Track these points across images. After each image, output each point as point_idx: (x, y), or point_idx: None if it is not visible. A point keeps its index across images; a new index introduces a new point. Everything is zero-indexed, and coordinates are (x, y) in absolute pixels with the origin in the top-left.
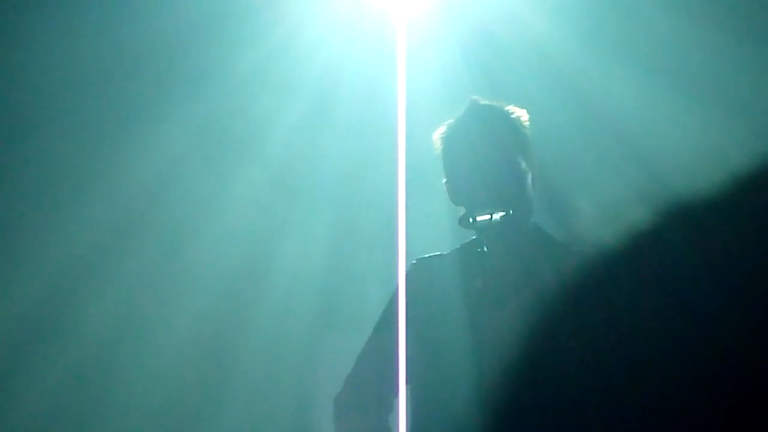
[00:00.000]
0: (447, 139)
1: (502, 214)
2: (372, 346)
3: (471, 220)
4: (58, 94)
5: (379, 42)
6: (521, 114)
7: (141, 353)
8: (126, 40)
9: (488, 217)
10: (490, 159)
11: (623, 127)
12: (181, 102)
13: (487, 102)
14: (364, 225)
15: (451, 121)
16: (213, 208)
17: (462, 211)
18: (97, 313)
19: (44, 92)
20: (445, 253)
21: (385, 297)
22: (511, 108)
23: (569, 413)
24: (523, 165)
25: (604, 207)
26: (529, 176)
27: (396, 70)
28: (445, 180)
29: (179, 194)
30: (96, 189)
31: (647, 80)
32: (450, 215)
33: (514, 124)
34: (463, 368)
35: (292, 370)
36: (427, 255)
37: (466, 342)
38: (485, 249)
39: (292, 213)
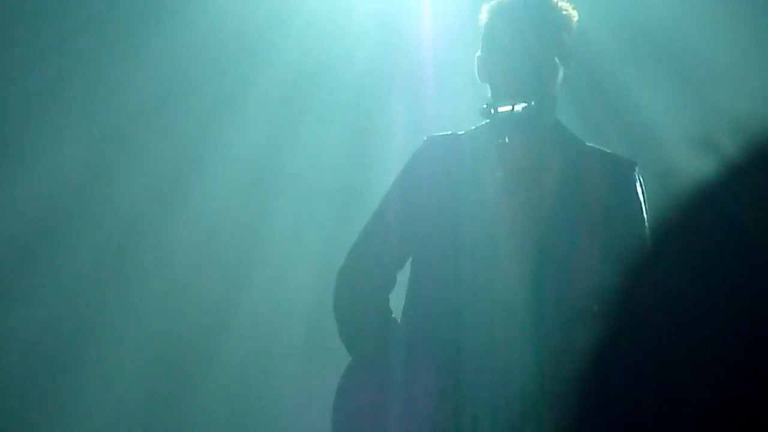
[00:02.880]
0: (493, 14)
1: (524, 105)
2: (376, 221)
3: (492, 110)
4: None
5: None
6: (573, 13)
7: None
8: None
9: (510, 108)
10: (527, 47)
11: (682, 56)
12: (178, 19)
13: None
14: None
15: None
16: (220, 122)
17: (486, 90)
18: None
19: None
20: (460, 133)
21: None
22: (565, 4)
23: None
24: (557, 61)
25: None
26: (560, 73)
27: None
28: (478, 54)
29: (189, 101)
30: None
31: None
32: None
33: (564, 21)
34: (472, 254)
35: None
36: (441, 133)
37: (478, 229)
38: (506, 140)
39: (302, 128)
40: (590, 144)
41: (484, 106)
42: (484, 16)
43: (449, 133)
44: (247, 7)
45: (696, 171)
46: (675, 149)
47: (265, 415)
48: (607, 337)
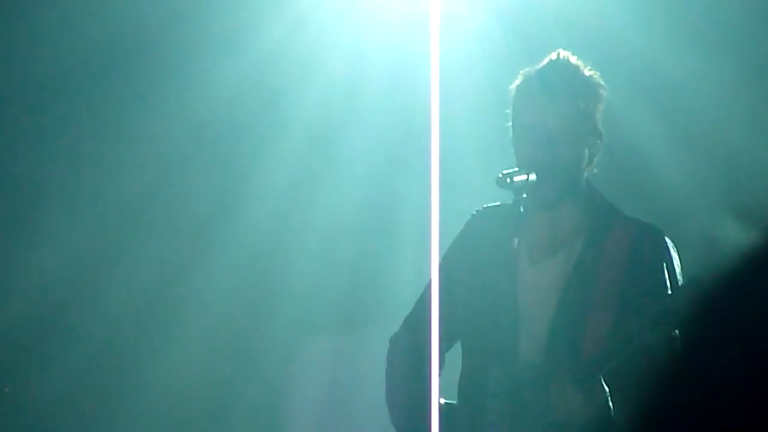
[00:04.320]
0: (517, 85)
1: (535, 176)
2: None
3: (508, 180)
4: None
5: (409, 16)
6: (598, 82)
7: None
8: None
9: (525, 178)
10: (541, 117)
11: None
12: (194, 84)
13: (573, 62)
14: (396, 212)
15: (533, 69)
16: (233, 195)
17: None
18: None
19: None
20: (508, 203)
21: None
22: (590, 73)
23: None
24: (577, 129)
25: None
26: (582, 142)
27: (429, 44)
28: (510, 123)
29: (196, 181)
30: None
31: (715, 63)
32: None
33: (584, 90)
34: (499, 326)
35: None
36: (491, 204)
37: (503, 300)
38: (521, 209)
39: (317, 198)
40: (626, 214)
41: (500, 175)
42: (513, 86)
43: (498, 204)
44: (261, 71)
45: (728, 241)
46: (706, 220)
47: None
48: (621, 400)
